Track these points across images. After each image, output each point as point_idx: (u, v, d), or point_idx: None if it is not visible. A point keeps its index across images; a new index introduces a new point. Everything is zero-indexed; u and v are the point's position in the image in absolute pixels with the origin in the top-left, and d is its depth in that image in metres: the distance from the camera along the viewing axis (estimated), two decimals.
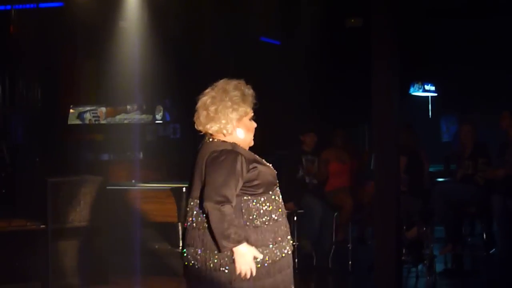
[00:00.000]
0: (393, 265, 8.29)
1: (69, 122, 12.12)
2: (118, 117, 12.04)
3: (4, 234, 9.06)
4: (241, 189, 4.48)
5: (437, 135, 16.28)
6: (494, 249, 10.19)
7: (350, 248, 10.07)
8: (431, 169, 10.33)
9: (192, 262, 4.56)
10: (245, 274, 4.42)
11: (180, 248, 4.68)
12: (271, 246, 4.53)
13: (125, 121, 12.04)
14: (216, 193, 4.42)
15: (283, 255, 4.58)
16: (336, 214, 10.32)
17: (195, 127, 4.68)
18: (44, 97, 10.94)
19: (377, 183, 8.41)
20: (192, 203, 4.61)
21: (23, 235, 9.06)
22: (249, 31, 13.14)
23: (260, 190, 4.56)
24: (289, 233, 4.68)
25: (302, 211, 10.07)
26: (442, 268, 9.81)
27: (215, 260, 4.47)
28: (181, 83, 12.35)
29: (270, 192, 4.60)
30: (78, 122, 12.13)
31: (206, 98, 4.64)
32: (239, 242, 4.39)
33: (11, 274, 8.75)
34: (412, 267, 9.61)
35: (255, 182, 4.52)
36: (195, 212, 4.59)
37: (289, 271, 4.67)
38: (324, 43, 13.07)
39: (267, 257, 4.50)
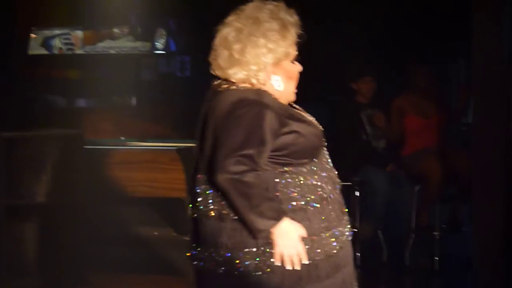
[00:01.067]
0: (499, 260, 8.27)
1: (29, 52, 12.15)
2: (100, 44, 12.05)
3: None
4: (270, 158, 4.34)
5: None
6: None
7: (437, 237, 10.07)
8: None
9: (208, 264, 4.44)
10: (292, 261, 4.28)
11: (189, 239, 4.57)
12: (322, 235, 4.40)
13: (111, 51, 12.04)
14: (233, 159, 4.25)
15: (342, 245, 4.46)
16: (417, 188, 10.30)
17: (212, 71, 4.50)
18: None
19: (478, 144, 8.37)
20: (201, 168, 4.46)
21: None
22: None
23: (300, 160, 4.42)
24: (346, 214, 4.58)
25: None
26: None
27: (246, 261, 4.33)
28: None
29: (315, 160, 4.48)
30: (43, 51, 12.15)
31: (228, 31, 4.44)
32: (277, 219, 4.25)
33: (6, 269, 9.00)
34: None
35: (293, 149, 4.36)
36: (209, 193, 4.42)
37: (350, 267, 4.58)
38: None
39: (318, 250, 4.36)
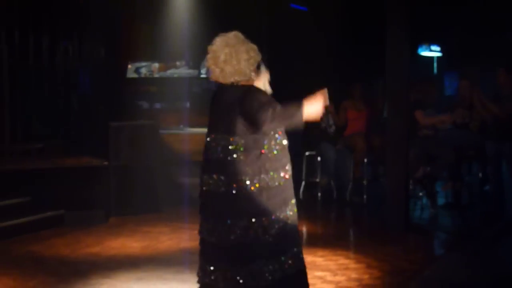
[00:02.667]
0: (402, 199, 8.33)
1: (127, 76, 12.14)
2: (169, 71, 12.00)
3: (73, 170, 9.18)
4: None
5: (441, 89, 16.20)
6: (487, 186, 10.14)
7: (365, 184, 10.09)
8: None
9: (212, 186, 4.38)
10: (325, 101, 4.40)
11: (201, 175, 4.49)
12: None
13: (175, 75, 11.99)
14: (267, 107, 4.25)
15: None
16: (352, 155, 10.35)
17: (213, 79, 4.43)
18: (107, 54, 10.95)
19: (391, 129, 8.44)
20: (218, 137, 4.38)
21: (89, 170, 9.19)
22: None
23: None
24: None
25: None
26: (443, 202, 9.83)
27: (233, 185, 4.28)
28: None
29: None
30: (135, 75, 12.12)
31: (224, 57, 4.34)
32: (301, 108, 4.33)
33: (79, 203, 8.88)
34: (417, 201, 9.63)
35: None
36: (223, 143, 4.34)
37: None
38: (343, 10, 12.94)
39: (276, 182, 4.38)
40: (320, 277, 6.32)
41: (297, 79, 12.52)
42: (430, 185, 9.59)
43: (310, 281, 5.95)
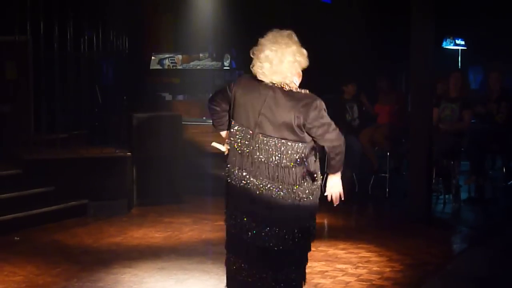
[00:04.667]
0: (424, 192, 8.36)
1: (151, 67, 12.17)
2: (192, 63, 12.03)
3: (97, 160, 9.23)
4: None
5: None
6: (511, 181, 10.10)
7: (387, 177, 10.06)
8: None
9: (238, 181, 4.26)
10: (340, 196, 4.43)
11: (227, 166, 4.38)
12: None
13: (198, 67, 12.02)
14: (338, 134, 4.30)
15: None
16: (376, 148, 10.30)
17: (257, 75, 4.21)
18: (130, 45, 10.95)
19: (413, 123, 8.46)
20: (256, 132, 4.20)
21: (112, 160, 9.25)
22: None
23: None
24: None
25: None
26: (466, 196, 9.79)
27: (262, 185, 4.21)
28: (245, 35, 12.27)
29: None
30: (158, 67, 12.16)
31: (268, 52, 4.17)
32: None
33: (103, 193, 8.95)
34: (440, 195, 9.59)
35: None
36: (262, 140, 4.19)
37: None
38: (368, 3, 12.90)
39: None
40: (342, 270, 6.33)
41: (322, 72, 12.51)
42: (447, 180, 9.53)
43: (331, 273, 6.01)
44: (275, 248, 4.24)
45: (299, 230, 4.27)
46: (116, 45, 10.67)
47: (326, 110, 4.26)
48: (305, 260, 4.46)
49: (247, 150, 4.26)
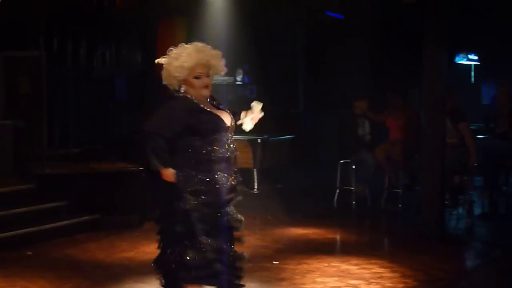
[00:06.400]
0: (437, 208, 8.29)
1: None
2: None
3: (110, 174, 9.23)
4: None
5: (478, 98, 16.06)
6: None
7: (400, 193, 10.01)
8: (472, 127, 10.12)
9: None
10: None
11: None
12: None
13: None
14: None
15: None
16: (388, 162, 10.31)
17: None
18: (143, 60, 11.01)
19: (426, 138, 8.42)
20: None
21: (125, 175, 9.22)
22: (316, 6, 13.04)
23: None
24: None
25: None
26: (480, 212, 9.73)
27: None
28: (258, 50, 12.35)
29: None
30: None
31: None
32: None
33: (115, 208, 8.94)
34: (453, 210, 9.54)
35: None
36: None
37: None
38: (381, 19, 12.90)
39: None
40: (354, 286, 6.30)
41: (333, 86, 12.55)
42: (455, 195, 9.50)
43: None
44: None
45: None
46: (129, 59, 10.71)
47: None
48: None
49: None
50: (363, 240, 8.59)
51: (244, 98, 13.10)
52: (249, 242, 7.94)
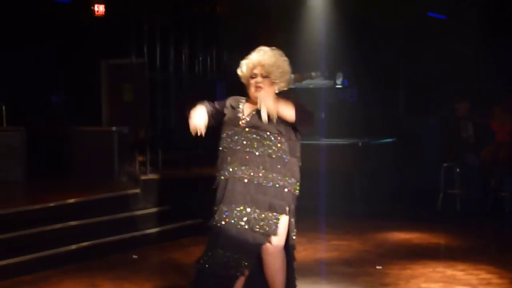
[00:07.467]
0: None
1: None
2: (304, 82, 12.07)
3: (210, 179, 9.25)
4: None
5: None
6: None
7: (507, 196, 9.80)
8: None
9: None
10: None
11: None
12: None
13: (310, 86, 12.05)
14: None
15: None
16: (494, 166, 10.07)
17: None
18: None
19: None
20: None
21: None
22: (417, 6, 12.84)
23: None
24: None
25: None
26: None
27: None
28: (358, 53, 12.26)
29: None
30: None
31: None
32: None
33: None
34: None
35: None
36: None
37: None
38: (485, 18, 12.58)
39: None
40: None
41: (434, 88, 12.29)
42: None
43: None
44: None
45: None
46: (229, 64, 10.81)
47: None
48: None
49: None
50: (468, 245, 8.38)
51: (343, 102, 13.03)
52: (351, 247, 7.97)
